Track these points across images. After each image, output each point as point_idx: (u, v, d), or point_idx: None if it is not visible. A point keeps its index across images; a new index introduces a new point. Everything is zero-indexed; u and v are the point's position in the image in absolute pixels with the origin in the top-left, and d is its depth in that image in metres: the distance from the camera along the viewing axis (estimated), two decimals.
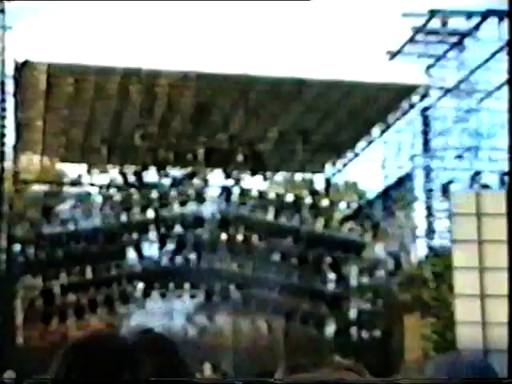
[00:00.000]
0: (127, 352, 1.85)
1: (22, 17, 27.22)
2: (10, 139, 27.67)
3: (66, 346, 2.06)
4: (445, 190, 25.80)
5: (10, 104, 27.11)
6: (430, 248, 26.49)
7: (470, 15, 24.49)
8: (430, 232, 26.33)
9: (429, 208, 26.67)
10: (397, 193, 28.36)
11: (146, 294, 27.93)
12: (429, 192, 26.58)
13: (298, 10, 52.56)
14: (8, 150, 27.50)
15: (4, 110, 26.90)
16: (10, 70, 26.75)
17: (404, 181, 27.96)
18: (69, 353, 2.03)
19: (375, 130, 29.52)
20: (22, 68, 26.41)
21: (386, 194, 28.96)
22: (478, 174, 25.71)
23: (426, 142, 26.68)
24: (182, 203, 28.89)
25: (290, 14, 54.98)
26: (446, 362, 3.23)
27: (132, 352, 1.86)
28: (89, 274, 27.63)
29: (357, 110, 27.65)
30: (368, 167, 30.35)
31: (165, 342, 2.05)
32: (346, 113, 27.98)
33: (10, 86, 26.87)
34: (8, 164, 27.92)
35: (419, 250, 27.74)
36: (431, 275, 25.69)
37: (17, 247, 27.65)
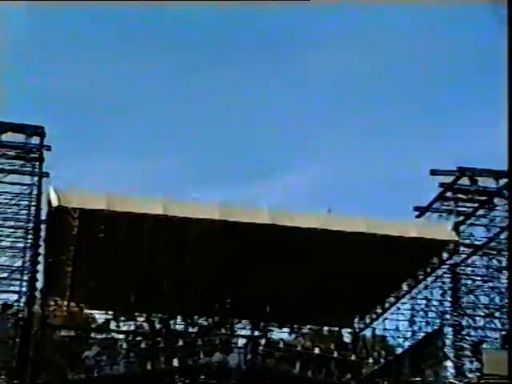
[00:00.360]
0: None
1: (58, 162, 27.75)
2: (39, 283, 28.03)
3: None
4: (475, 348, 25.28)
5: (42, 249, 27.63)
6: None
7: (498, 175, 24.62)
8: None
9: (459, 367, 26.07)
10: (426, 350, 27.80)
11: None
12: (458, 350, 26.05)
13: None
14: (37, 294, 27.79)
15: (37, 254, 27.32)
16: (43, 215, 27.35)
17: (433, 338, 27.46)
18: None
19: (404, 285, 29.24)
20: (56, 213, 26.86)
21: (414, 351, 28.40)
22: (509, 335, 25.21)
23: (455, 299, 26.35)
24: (209, 352, 28.50)
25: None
26: None
27: None
28: None
29: (386, 265, 27.49)
30: (396, 322, 29.93)
31: None
32: (376, 267, 27.80)
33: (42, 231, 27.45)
34: (36, 308, 28.13)
35: None
36: None
37: None
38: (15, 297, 27.21)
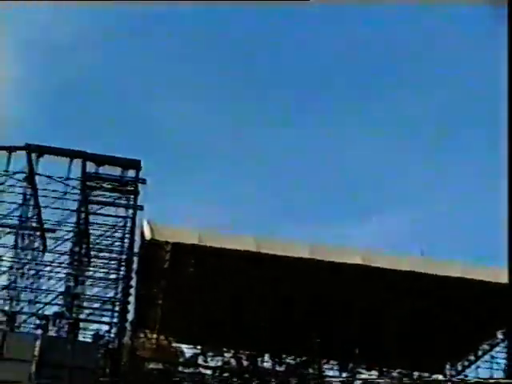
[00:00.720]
0: None
1: (152, 195, 28.09)
2: (130, 315, 28.24)
3: None
4: None
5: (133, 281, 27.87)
6: None
7: None
8: None
9: None
10: None
11: None
12: None
13: None
14: (127, 326, 27.99)
15: (129, 286, 27.56)
16: (136, 247, 27.65)
17: None
18: None
19: (499, 334, 28.42)
20: (148, 246, 27.13)
21: None
22: None
23: None
24: None
25: None
26: None
27: None
28: None
29: (481, 311, 26.82)
30: (490, 371, 29.04)
31: None
32: (471, 312, 27.17)
33: (135, 263, 27.73)
34: (126, 339, 28.32)
35: None
36: None
37: None
38: (106, 327, 27.43)
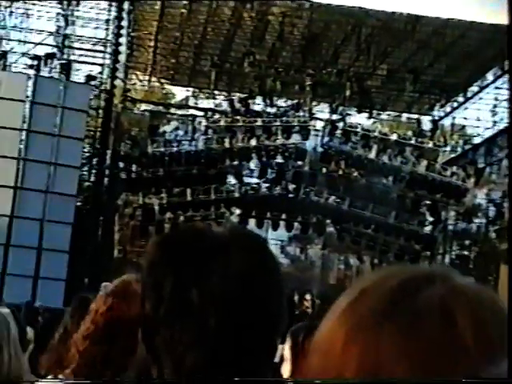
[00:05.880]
0: (221, 243, 1.84)
1: None
2: (121, 57, 28.10)
3: (161, 235, 2.07)
4: None
5: (124, 22, 27.49)
6: None
7: None
8: None
9: None
10: (505, 140, 27.63)
11: (243, 220, 28.07)
12: None
13: None
14: (119, 67, 27.95)
15: (120, 27, 27.22)
16: None
17: None
18: (163, 240, 2.03)
19: (489, 75, 28.65)
20: None
21: (493, 141, 28.25)
22: None
23: None
24: (286, 134, 28.71)
25: None
26: None
27: (225, 243, 1.85)
28: (188, 195, 27.89)
29: (471, 52, 26.89)
30: (478, 112, 29.58)
31: (257, 238, 2.02)
32: (460, 54, 27.25)
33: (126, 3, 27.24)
34: (118, 82, 28.39)
35: None
36: None
37: (120, 164, 28.16)
38: (98, 69, 27.39)
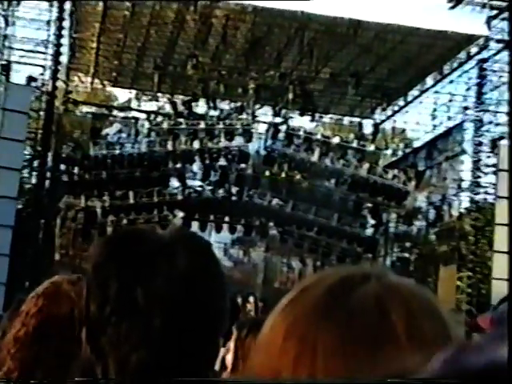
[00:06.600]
0: (165, 244, 1.88)
1: None
2: (63, 59, 27.88)
3: (106, 236, 2.11)
4: (494, 144, 25.47)
5: (66, 23, 27.27)
6: (473, 202, 26.32)
7: None
8: (475, 186, 26.13)
9: (476, 162, 26.37)
10: (444, 144, 28.09)
11: (186, 223, 28.06)
12: (477, 146, 26.26)
13: None
14: (61, 69, 27.72)
15: (61, 28, 26.99)
16: None
17: (453, 132, 27.65)
18: (108, 241, 2.06)
19: (429, 79, 29.10)
20: None
21: (433, 144, 28.70)
22: None
23: (479, 95, 26.26)
24: (229, 137, 28.81)
25: None
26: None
27: (169, 245, 1.89)
28: (131, 198, 27.82)
29: (412, 57, 27.29)
30: (418, 116, 30.04)
31: (200, 240, 2.07)
32: (401, 59, 27.62)
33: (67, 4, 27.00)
34: (59, 84, 28.15)
35: (462, 203, 27.61)
36: (471, 229, 25.59)
37: (62, 166, 27.98)
38: (40, 70, 27.10)
